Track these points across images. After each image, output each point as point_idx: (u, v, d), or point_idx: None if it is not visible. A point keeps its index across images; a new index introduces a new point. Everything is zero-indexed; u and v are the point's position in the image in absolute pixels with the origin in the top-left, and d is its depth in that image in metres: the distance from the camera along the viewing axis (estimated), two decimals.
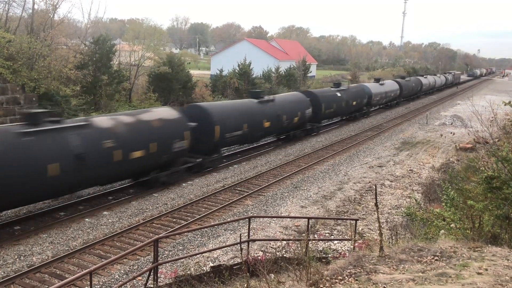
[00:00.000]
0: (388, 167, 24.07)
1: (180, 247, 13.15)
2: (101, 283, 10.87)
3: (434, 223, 10.27)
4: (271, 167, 22.62)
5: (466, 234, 8.69)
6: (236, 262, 11.03)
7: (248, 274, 7.79)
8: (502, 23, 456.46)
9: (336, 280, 6.43)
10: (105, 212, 15.58)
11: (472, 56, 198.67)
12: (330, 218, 15.63)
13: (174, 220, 15.30)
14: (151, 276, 8.74)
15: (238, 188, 19.01)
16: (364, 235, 13.68)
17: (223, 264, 10.74)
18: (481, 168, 10.62)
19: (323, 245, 13.55)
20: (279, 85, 48.79)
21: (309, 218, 12.02)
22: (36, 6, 29.17)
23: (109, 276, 11.26)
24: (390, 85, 48.59)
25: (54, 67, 25.13)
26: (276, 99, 26.70)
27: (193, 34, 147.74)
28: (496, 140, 18.15)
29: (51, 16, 28.87)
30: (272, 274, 8.11)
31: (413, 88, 56.85)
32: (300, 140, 29.66)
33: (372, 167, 23.92)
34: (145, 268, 9.96)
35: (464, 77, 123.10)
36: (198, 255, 12.22)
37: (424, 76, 67.26)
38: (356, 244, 10.80)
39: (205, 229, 14.29)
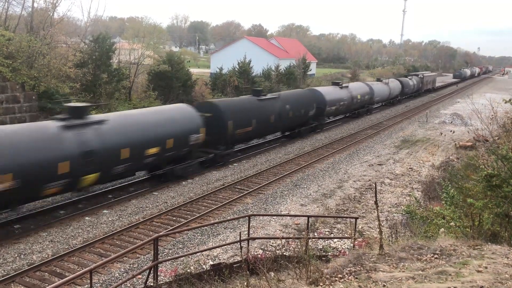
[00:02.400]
0: (388, 165, 24.08)
1: (180, 246, 13.16)
2: (101, 282, 10.88)
3: (434, 221, 10.28)
4: (271, 165, 22.63)
5: (466, 232, 8.70)
6: (236, 260, 11.04)
7: (248, 272, 7.80)
8: (502, 22, 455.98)
9: (336, 278, 6.43)
10: (105, 211, 15.59)
11: (472, 54, 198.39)
12: (330, 216, 15.64)
13: (174, 218, 15.31)
14: (151, 274, 8.75)
15: (238, 187, 19.02)
16: (364, 233, 13.70)
17: (223, 262, 10.76)
18: (480, 166, 10.60)
19: (323, 243, 13.56)
20: (279, 83, 48.75)
21: (309, 216, 12.02)
22: (35, 5, 29.17)
23: (109, 274, 11.27)
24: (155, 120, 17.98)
25: (53, 66, 25.10)
26: (412, 78, 37.07)
27: (193, 32, 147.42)
28: (496, 138, 18.15)
29: (51, 14, 28.84)
30: (272, 272, 8.12)
31: (281, 117, 25.93)
32: (300, 138, 29.67)
33: (372, 165, 23.93)
34: (145, 267, 9.96)
35: (446, 78, 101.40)
36: (198, 253, 12.23)
37: (341, 85, 36.52)
38: (356, 242, 10.82)
39: (205, 227, 14.30)
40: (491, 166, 9.79)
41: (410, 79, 56.69)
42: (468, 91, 72.90)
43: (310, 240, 11.39)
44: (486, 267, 6.32)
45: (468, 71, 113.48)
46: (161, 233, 10.90)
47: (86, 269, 7.44)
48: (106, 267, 11.49)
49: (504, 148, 9.77)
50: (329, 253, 11.49)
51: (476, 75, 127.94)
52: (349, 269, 6.74)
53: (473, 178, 11.48)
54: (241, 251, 10.54)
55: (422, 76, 62.86)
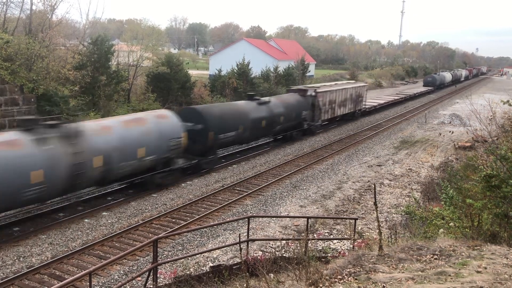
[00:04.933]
0: (387, 166, 24.09)
1: (180, 247, 13.15)
2: (100, 284, 10.86)
3: (433, 222, 10.28)
4: (270, 166, 22.62)
5: (465, 233, 8.69)
6: (235, 262, 11.03)
7: (247, 274, 7.79)
8: (500, 22, 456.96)
9: (336, 279, 6.42)
10: (104, 213, 15.57)
11: (470, 55, 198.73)
12: (330, 218, 15.64)
13: (173, 220, 15.30)
14: (151, 277, 8.74)
15: (238, 188, 19.00)
16: (364, 234, 13.69)
17: (223, 264, 10.75)
18: (480, 167, 10.62)
19: (323, 245, 13.56)
20: (278, 84, 48.75)
21: (308, 218, 12.02)
22: (34, 7, 29.18)
23: (109, 276, 11.26)
24: None
25: (52, 68, 25.10)
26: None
27: (192, 34, 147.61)
28: (495, 138, 18.17)
29: (49, 16, 28.83)
30: (272, 274, 8.11)
31: None
32: (299, 139, 29.65)
33: (371, 166, 23.94)
34: (145, 269, 9.96)
35: (404, 89, 70.87)
36: (197, 255, 12.22)
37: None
38: (355, 243, 10.81)
39: (205, 229, 14.29)
40: (490, 167, 9.79)
41: (251, 103, 24.54)
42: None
43: (309, 241, 11.38)
44: (485, 268, 6.32)
45: (447, 76, 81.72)
46: (160, 235, 10.89)
47: (86, 271, 7.43)
48: (105, 269, 11.48)
49: (503, 148, 9.77)
50: (329, 254, 11.50)
51: (462, 79, 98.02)
52: (348, 270, 6.74)
53: (472, 178, 11.49)
54: (240, 253, 10.52)
55: (312, 93, 29.66)
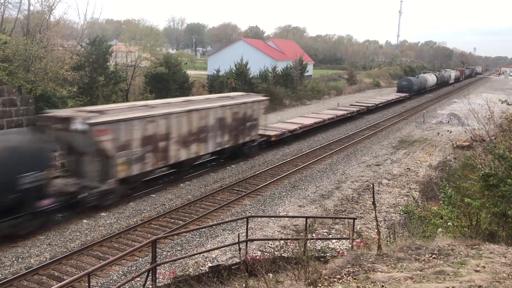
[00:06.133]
0: (385, 165, 24.11)
1: (179, 248, 13.15)
2: (99, 285, 10.85)
3: (431, 221, 10.29)
4: (268, 166, 22.62)
5: (464, 232, 8.71)
6: (234, 262, 11.04)
7: (246, 274, 7.79)
8: (497, 22, 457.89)
9: (335, 279, 6.43)
10: (103, 214, 15.55)
11: (468, 54, 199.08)
12: (328, 217, 15.65)
13: (172, 220, 15.29)
14: (150, 277, 8.73)
15: (236, 188, 19.00)
16: (362, 233, 13.70)
17: (222, 264, 10.75)
18: (478, 166, 10.65)
19: (321, 244, 13.57)
20: (276, 85, 48.77)
21: (307, 218, 12.03)
22: (31, 8, 29.17)
23: (108, 277, 11.25)
24: None
25: (50, 69, 25.06)
26: None
27: (190, 35, 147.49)
28: (493, 137, 18.22)
29: (47, 17, 28.84)
30: (271, 274, 8.11)
31: None
32: (298, 140, 29.60)
33: (370, 166, 23.96)
34: (144, 269, 9.94)
35: (368, 96, 54.30)
36: (196, 255, 12.23)
37: None
38: (354, 243, 10.81)
39: (203, 229, 14.28)
40: (488, 166, 9.82)
41: None
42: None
43: (308, 241, 11.38)
44: (484, 267, 6.33)
45: (429, 78, 65.19)
46: (159, 236, 10.88)
47: (84, 272, 7.42)
48: (104, 270, 11.47)
49: (501, 148, 9.79)
50: (328, 254, 11.49)
51: (451, 81, 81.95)
52: (347, 269, 6.74)
53: (471, 177, 11.53)
54: (239, 253, 10.51)
55: None
